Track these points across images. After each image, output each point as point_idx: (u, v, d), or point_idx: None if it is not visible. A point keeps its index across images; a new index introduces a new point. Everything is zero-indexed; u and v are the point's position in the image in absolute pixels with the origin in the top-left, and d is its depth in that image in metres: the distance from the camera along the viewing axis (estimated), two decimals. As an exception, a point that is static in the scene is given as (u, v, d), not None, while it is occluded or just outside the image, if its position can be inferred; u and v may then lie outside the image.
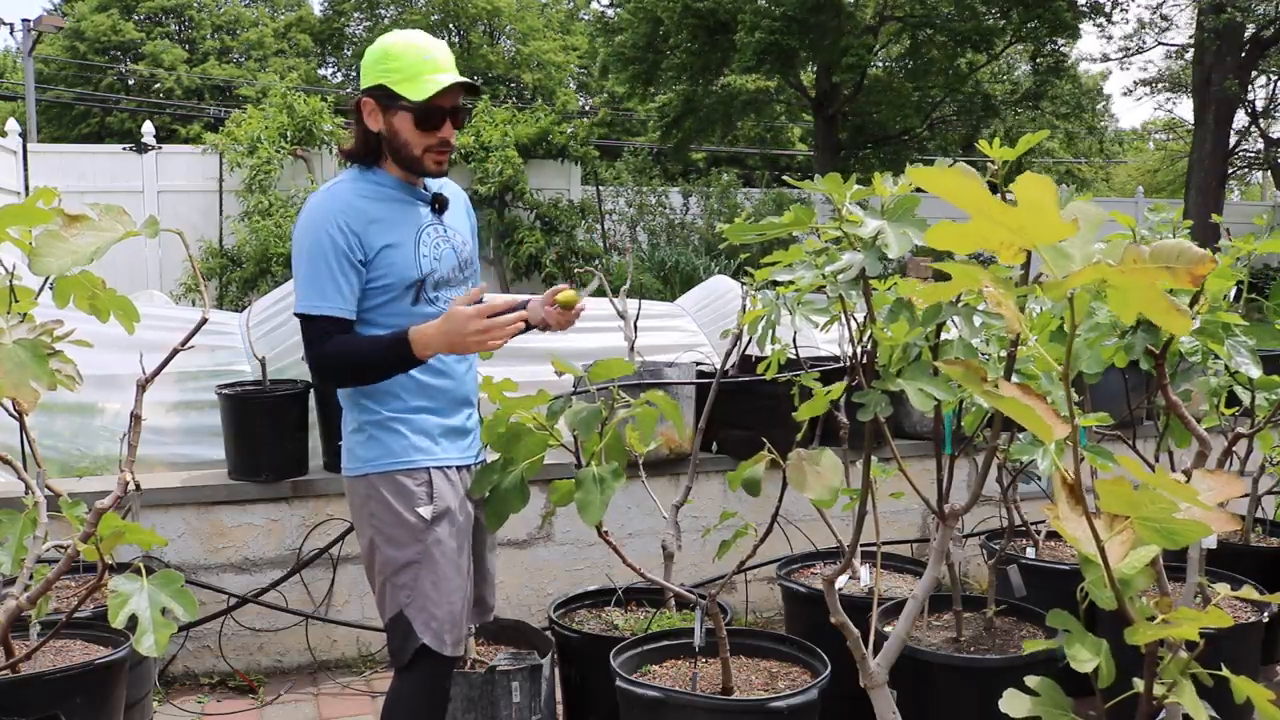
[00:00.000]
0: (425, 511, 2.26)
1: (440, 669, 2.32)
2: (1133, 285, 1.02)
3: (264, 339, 4.14)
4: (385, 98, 2.23)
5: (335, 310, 2.19)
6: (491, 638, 3.05)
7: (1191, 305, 2.24)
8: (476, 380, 2.45)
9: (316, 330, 2.19)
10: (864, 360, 2.09)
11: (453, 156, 2.64)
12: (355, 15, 32.10)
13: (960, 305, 2.00)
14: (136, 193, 12.80)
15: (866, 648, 2.16)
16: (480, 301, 2.19)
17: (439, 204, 2.36)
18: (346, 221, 2.19)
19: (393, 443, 2.27)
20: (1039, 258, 1.10)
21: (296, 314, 2.22)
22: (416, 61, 2.23)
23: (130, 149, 13.25)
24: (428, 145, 2.26)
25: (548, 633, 3.06)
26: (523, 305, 2.32)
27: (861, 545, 2.46)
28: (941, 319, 1.99)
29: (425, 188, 2.37)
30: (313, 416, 3.79)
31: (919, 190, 1.81)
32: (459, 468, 2.36)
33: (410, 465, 2.27)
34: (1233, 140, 18.20)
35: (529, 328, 2.41)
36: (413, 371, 2.26)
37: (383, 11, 31.55)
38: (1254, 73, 17.93)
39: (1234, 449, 2.67)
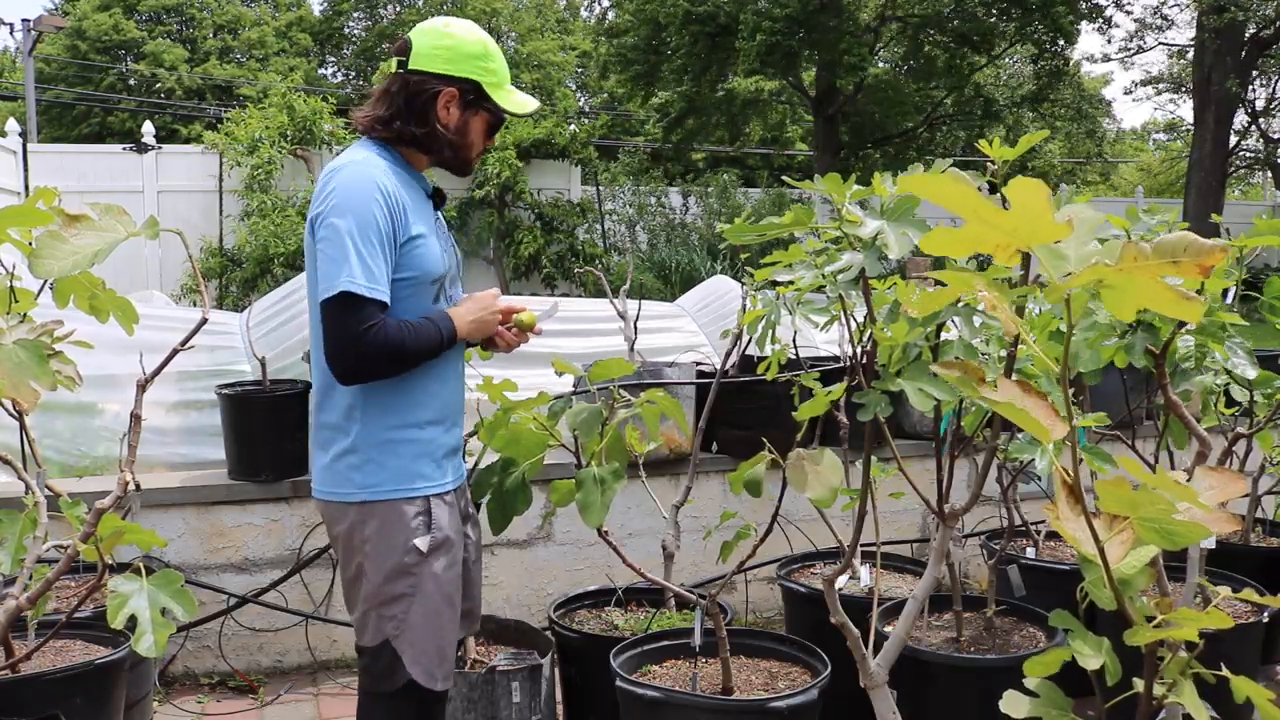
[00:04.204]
0: (422, 543, 2.10)
1: (431, 702, 2.19)
2: (1133, 283, 1.02)
3: (264, 339, 4.14)
4: (475, 96, 2.14)
5: (384, 294, 1.99)
6: (491, 638, 3.05)
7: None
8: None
9: (364, 313, 1.96)
10: (864, 360, 2.09)
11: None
12: (355, 15, 32.11)
13: (960, 306, 2.00)
14: (136, 193, 12.79)
15: (866, 648, 2.16)
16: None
17: (439, 198, 2.25)
18: (391, 200, 2.03)
19: (392, 467, 2.09)
20: (1037, 258, 1.10)
21: (342, 292, 1.95)
22: (505, 71, 2.18)
23: (130, 149, 13.24)
24: (479, 150, 2.22)
25: (548, 633, 3.06)
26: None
27: (861, 545, 2.46)
28: (941, 319, 2.00)
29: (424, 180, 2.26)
30: (313, 416, 3.79)
31: (919, 190, 1.80)
32: (455, 490, 2.23)
33: (411, 494, 2.10)
34: (1233, 140, 18.18)
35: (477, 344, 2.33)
36: (428, 381, 2.13)
37: (382, 11, 31.55)
38: (1254, 73, 17.91)
39: (1234, 449, 2.67)
